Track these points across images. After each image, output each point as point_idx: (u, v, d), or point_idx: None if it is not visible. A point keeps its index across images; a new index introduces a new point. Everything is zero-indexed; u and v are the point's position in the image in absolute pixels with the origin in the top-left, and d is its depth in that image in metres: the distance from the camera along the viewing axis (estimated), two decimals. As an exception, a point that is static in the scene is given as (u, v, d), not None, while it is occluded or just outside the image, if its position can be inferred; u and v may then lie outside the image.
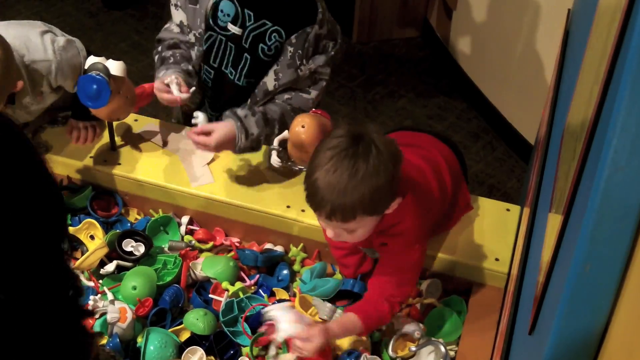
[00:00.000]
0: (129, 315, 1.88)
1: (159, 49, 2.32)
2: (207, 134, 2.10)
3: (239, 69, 2.23)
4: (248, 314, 1.96)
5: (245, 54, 2.20)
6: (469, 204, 2.14)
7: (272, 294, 2.07)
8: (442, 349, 1.84)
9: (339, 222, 1.67)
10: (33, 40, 2.17)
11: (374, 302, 1.84)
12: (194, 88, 2.19)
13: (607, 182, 0.83)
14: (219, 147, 2.13)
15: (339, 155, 1.63)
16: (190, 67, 2.28)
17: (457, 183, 2.05)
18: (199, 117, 2.16)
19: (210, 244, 2.20)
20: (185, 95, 2.14)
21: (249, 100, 2.24)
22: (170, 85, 2.14)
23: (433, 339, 1.89)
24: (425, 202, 1.86)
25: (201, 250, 2.18)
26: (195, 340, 1.90)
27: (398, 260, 1.83)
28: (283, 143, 2.12)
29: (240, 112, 2.15)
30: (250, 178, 2.25)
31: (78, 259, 2.07)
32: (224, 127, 2.11)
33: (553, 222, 1.26)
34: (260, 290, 2.07)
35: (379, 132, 1.68)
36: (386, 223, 1.78)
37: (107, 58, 2.15)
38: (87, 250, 2.12)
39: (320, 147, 1.68)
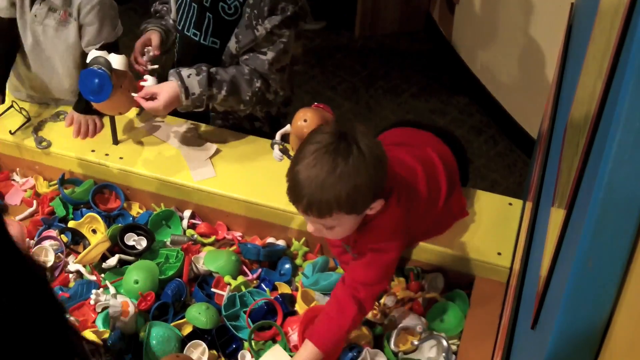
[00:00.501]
0: (131, 309, 1.88)
1: (157, 2, 2.44)
2: (154, 97, 2.15)
3: (203, 29, 2.26)
4: (252, 308, 1.96)
5: (207, 13, 2.23)
6: (464, 209, 2.11)
7: (274, 288, 2.07)
8: (444, 343, 1.84)
9: (315, 217, 1.67)
10: None
11: (336, 311, 1.78)
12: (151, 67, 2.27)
13: (610, 176, 0.83)
14: (167, 108, 2.17)
15: (321, 150, 1.62)
16: (171, 22, 2.36)
17: (452, 188, 2.03)
18: (149, 80, 2.21)
19: (213, 238, 2.21)
20: (149, 67, 2.26)
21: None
22: (146, 54, 2.27)
23: (435, 333, 1.89)
24: (409, 203, 1.83)
25: (203, 245, 2.18)
26: (197, 334, 1.90)
27: (369, 257, 1.80)
28: (285, 137, 2.12)
29: (185, 71, 2.17)
30: (252, 172, 2.25)
31: (80, 252, 2.07)
32: (167, 89, 2.15)
33: (556, 217, 1.26)
34: (262, 284, 2.07)
35: (365, 133, 1.66)
36: (365, 218, 1.77)
37: (109, 52, 2.15)
38: (89, 244, 2.12)
39: (305, 141, 1.68)
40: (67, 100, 2.46)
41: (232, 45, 2.22)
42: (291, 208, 2.13)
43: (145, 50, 2.26)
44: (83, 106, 2.33)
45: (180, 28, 2.32)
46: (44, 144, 2.33)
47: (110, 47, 2.28)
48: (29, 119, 2.41)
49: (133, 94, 2.17)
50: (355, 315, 1.78)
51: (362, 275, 1.79)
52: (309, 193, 1.62)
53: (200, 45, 2.28)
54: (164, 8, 2.41)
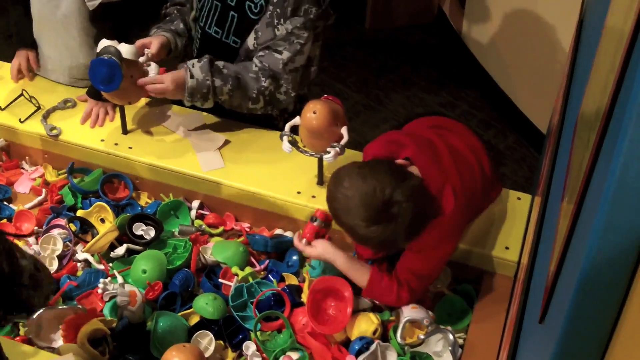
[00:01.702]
0: (139, 299, 1.88)
1: (168, 4, 2.43)
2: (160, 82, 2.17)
3: (226, 27, 2.25)
4: (259, 299, 1.96)
5: (232, 12, 2.22)
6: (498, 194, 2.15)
7: (281, 280, 2.07)
8: (451, 337, 1.84)
9: None
10: None
11: (395, 286, 1.87)
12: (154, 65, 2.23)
13: (622, 171, 0.82)
14: (175, 90, 2.17)
15: (363, 209, 1.70)
16: (181, 26, 2.36)
17: (493, 170, 2.07)
18: (152, 66, 2.21)
19: (221, 228, 2.21)
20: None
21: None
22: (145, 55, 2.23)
23: (442, 327, 1.88)
24: (468, 193, 1.87)
25: (211, 235, 2.19)
26: (204, 324, 1.91)
27: (426, 252, 1.85)
28: (294, 129, 2.12)
29: (190, 61, 2.19)
30: (261, 163, 2.25)
31: (88, 241, 2.08)
32: (173, 73, 2.18)
33: (565, 212, 1.25)
34: (269, 275, 2.08)
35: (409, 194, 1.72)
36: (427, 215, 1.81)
37: (119, 41, 2.15)
38: (98, 233, 2.13)
39: (354, 201, 1.72)
40: (73, 81, 2.48)
41: (250, 40, 2.22)
42: (300, 200, 2.14)
43: (145, 51, 2.24)
44: (94, 91, 2.33)
45: (202, 25, 2.31)
46: (55, 131, 2.33)
47: (115, 6, 2.28)
48: (38, 108, 2.41)
49: (147, 87, 2.16)
50: (403, 298, 1.88)
51: (418, 267, 1.86)
52: (342, 222, 1.78)
53: (222, 42, 2.27)
54: (175, 12, 2.40)
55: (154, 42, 2.26)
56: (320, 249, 1.91)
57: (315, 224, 1.92)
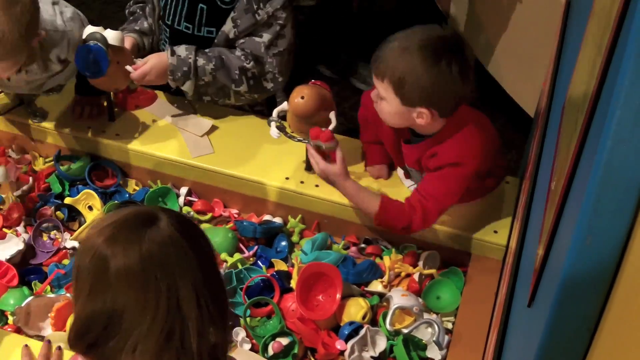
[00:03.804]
0: (128, 286, 1.88)
1: (131, 2, 2.41)
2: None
3: (196, 21, 2.23)
4: (248, 285, 1.96)
5: (200, 5, 2.21)
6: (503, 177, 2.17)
7: (270, 265, 2.07)
8: (436, 328, 1.83)
9: (374, 74, 1.95)
10: (44, 8, 2.06)
11: (407, 207, 1.91)
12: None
13: (609, 155, 0.82)
14: (156, 74, 2.17)
15: (427, 48, 1.97)
16: (146, 25, 2.34)
17: (499, 151, 2.11)
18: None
19: (209, 215, 2.20)
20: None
21: None
22: None
23: (427, 317, 1.88)
24: (485, 136, 1.95)
25: (200, 222, 2.18)
26: (193, 311, 1.90)
27: (445, 170, 1.89)
28: (282, 114, 2.11)
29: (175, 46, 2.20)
30: (249, 149, 2.25)
31: (76, 229, 2.07)
32: (155, 55, 2.19)
33: (553, 195, 1.25)
34: (258, 261, 2.07)
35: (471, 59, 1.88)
36: (446, 133, 1.88)
37: (105, 27, 2.13)
38: (85, 221, 2.12)
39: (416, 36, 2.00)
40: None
41: (227, 29, 2.20)
42: (287, 185, 2.13)
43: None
44: (82, 87, 2.31)
45: (169, 23, 2.29)
46: (38, 117, 2.32)
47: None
48: (21, 102, 2.38)
49: (128, 67, 2.15)
50: (416, 220, 1.90)
51: (433, 186, 1.90)
52: (388, 57, 1.95)
53: (194, 36, 2.25)
54: (139, 10, 2.37)
55: (126, 42, 2.23)
56: (335, 169, 1.93)
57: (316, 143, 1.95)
